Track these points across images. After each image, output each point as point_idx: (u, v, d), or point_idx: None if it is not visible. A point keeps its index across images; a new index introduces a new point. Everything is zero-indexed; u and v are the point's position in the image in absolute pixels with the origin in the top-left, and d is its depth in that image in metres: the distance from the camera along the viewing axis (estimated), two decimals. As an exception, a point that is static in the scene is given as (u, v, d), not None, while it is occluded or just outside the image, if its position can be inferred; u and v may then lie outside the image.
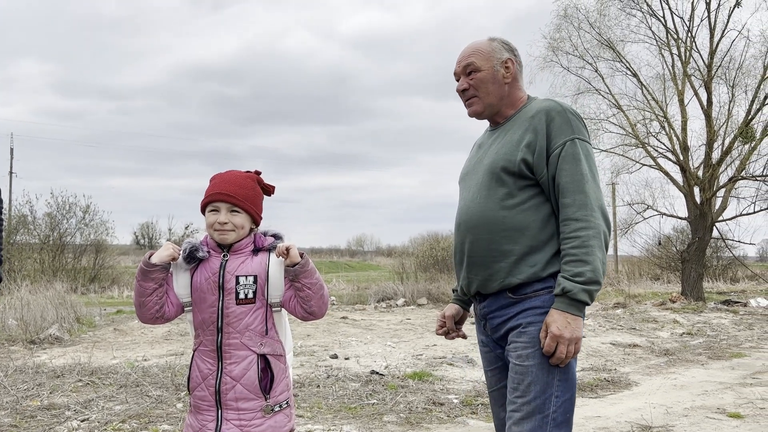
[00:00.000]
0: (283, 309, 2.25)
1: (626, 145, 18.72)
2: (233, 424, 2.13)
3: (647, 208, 19.62)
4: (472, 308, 2.44)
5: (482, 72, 2.26)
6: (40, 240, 24.66)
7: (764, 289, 23.91)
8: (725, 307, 15.97)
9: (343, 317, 12.00)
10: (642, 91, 17.94)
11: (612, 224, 2.11)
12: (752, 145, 17.20)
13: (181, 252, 2.21)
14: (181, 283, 2.22)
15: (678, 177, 18.01)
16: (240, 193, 2.21)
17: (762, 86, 16.75)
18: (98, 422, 4.60)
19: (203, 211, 2.25)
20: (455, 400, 5.39)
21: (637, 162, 18.83)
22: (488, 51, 2.27)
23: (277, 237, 2.28)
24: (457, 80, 2.34)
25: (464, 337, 2.48)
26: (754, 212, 18.11)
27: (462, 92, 2.31)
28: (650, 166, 18.53)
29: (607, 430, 4.44)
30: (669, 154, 18.07)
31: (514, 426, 2.05)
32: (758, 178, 17.67)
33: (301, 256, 2.16)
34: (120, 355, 8.11)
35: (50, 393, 5.56)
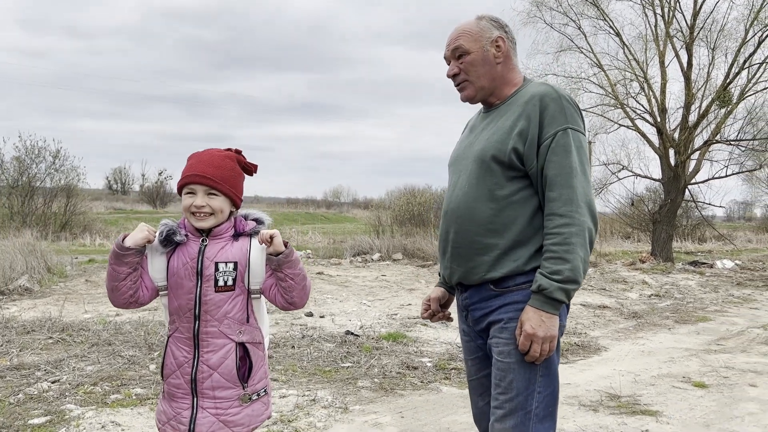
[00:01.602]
0: (262, 296, 2.19)
1: (605, 105, 18.74)
2: (209, 412, 2.09)
3: (622, 169, 19.77)
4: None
5: (471, 54, 2.16)
6: (8, 184, 24.09)
7: (730, 250, 24.54)
8: (692, 268, 16.34)
9: (319, 272, 12.01)
10: (624, 51, 17.88)
11: (598, 220, 2.06)
12: (728, 109, 17.34)
13: (157, 234, 2.13)
14: (156, 267, 2.13)
15: (654, 139, 18.14)
16: (218, 175, 2.10)
17: (742, 50, 16.78)
18: (69, 384, 4.55)
19: (180, 192, 2.16)
20: (429, 364, 5.45)
21: (615, 122, 18.89)
22: (476, 31, 2.17)
23: (258, 221, 2.21)
24: (448, 64, 2.25)
25: (450, 319, 2.45)
26: (726, 176, 18.41)
27: (453, 77, 2.22)
28: (628, 126, 18.62)
29: (576, 398, 4.53)
30: (647, 116, 18.17)
31: (496, 423, 2.05)
32: (732, 143, 17.89)
33: (286, 246, 2.09)
34: (92, 309, 8.04)
35: (20, 351, 5.49)
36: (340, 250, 17.44)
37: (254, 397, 2.14)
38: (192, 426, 2.09)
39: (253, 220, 2.21)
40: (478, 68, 2.16)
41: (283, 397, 4.39)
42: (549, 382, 2.04)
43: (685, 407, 4.35)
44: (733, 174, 18.67)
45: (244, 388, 2.11)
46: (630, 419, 4.04)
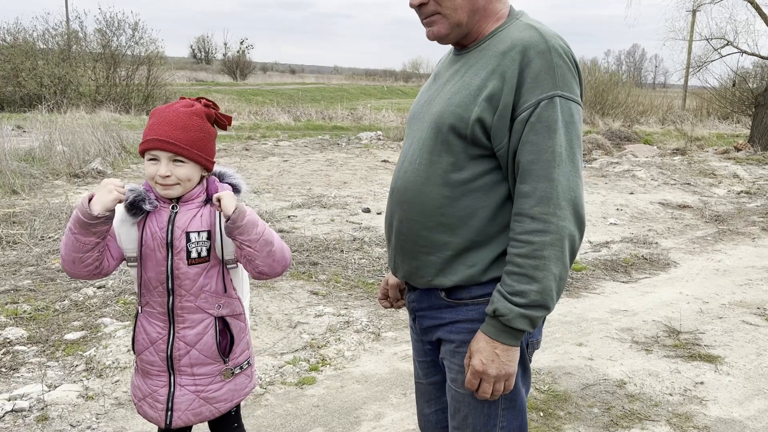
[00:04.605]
0: (239, 265, 1.96)
1: (714, -30, 16.63)
2: (188, 389, 1.95)
3: (727, 44, 17.88)
4: None
5: None
6: (93, 56, 24.63)
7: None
8: (795, 158, 14.95)
9: (384, 161, 11.74)
10: None
11: (585, 224, 1.53)
12: None
13: (125, 201, 1.86)
14: (127, 237, 1.90)
15: (768, 11, 16.09)
16: (184, 138, 1.80)
17: None
18: (113, 290, 4.63)
19: (142, 155, 1.87)
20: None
21: (723, -9, 16.81)
22: None
23: (234, 188, 1.93)
24: None
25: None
26: None
27: (418, 7, 1.60)
28: (738, -4, 16.55)
29: (630, 332, 4.19)
30: (762, -16, 16.01)
31: None
32: None
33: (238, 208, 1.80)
34: (155, 197, 8.16)
35: (76, 248, 5.62)
36: (411, 131, 16.99)
37: (237, 371, 2.00)
38: (170, 404, 1.95)
39: (228, 183, 1.94)
40: None
41: (319, 316, 4.28)
42: (515, 414, 1.66)
43: (751, 352, 3.93)
44: None
45: (225, 363, 1.96)
46: (685, 366, 3.68)
